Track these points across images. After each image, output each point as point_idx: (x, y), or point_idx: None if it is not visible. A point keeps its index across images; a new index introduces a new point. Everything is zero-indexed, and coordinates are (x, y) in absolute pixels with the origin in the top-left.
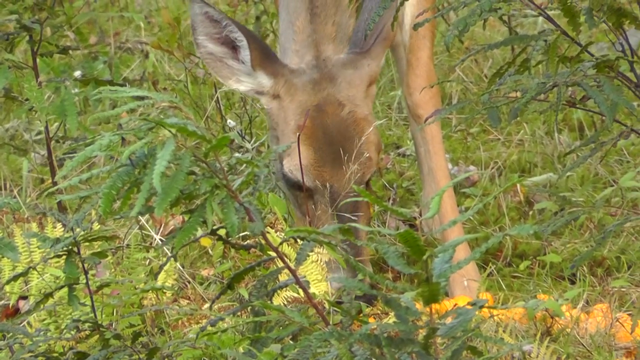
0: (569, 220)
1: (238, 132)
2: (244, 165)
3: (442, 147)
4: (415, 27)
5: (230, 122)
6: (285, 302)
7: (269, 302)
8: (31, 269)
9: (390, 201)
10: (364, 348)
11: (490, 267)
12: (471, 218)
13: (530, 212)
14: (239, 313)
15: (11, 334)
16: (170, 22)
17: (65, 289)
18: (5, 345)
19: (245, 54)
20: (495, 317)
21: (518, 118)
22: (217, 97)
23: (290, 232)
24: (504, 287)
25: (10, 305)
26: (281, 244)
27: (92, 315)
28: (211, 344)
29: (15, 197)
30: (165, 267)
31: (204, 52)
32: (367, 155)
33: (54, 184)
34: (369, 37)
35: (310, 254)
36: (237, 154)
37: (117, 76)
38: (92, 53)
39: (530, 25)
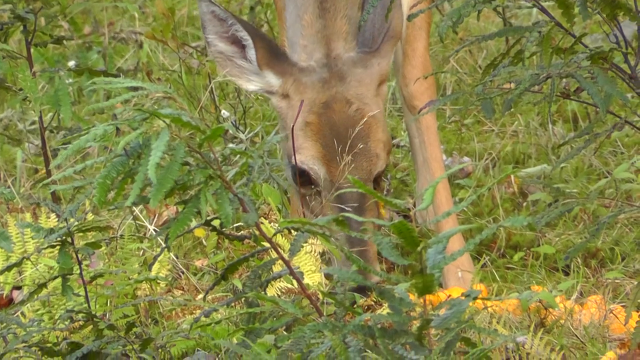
0: (563, 211)
1: (232, 123)
2: (238, 155)
3: (437, 138)
4: (410, 18)
5: (225, 113)
6: (279, 293)
7: (262, 293)
8: (25, 259)
9: (385, 192)
10: (357, 339)
11: (484, 258)
12: (465, 209)
13: (524, 204)
14: (232, 304)
15: (5, 324)
16: (165, 12)
17: (59, 280)
18: None
19: (251, 53)
20: (489, 309)
21: (512, 109)
22: (211, 88)
23: (284, 223)
24: (497, 278)
25: (4, 296)
26: (275, 234)
27: (86, 305)
28: (205, 335)
29: (9, 187)
30: (159, 258)
31: (214, 50)
32: (375, 152)
33: (48, 174)
34: (377, 36)
35: (304, 245)
36: (231, 145)
37: (111, 66)
38: (86, 43)
39: (524, 17)
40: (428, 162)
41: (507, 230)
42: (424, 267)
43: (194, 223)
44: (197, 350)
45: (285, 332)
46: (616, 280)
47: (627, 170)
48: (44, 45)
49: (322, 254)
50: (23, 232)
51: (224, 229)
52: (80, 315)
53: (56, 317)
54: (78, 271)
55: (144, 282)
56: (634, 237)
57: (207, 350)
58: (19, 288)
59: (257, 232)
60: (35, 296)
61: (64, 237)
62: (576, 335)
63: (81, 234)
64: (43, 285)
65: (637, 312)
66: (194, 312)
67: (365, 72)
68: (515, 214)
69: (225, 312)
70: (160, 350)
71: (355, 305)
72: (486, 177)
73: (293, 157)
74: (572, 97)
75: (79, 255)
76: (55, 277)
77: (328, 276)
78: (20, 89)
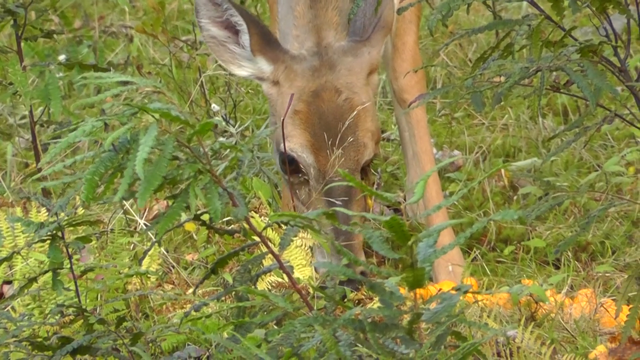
0: (553, 205)
1: (222, 117)
2: (228, 149)
3: (428, 131)
4: (400, 11)
5: (215, 107)
6: (270, 287)
7: (253, 287)
8: (15, 254)
9: (375, 186)
10: (348, 333)
11: (475, 252)
12: (456, 203)
13: (515, 197)
14: (223, 298)
15: None
16: (155, 6)
17: (50, 274)
18: None
19: (245, 38)
20: (480, 302)
21: (502, 103)
22: (202, 81)
23: (274, 217)
24: (488, 272)
25: None
26: (265, 228)
27: (76, 300)
28: (195, 329)
29: None
30: (150, 252)
31: (207, 35)
32: (362, 141)
33: (39, 169)
34: (367, 25)
35: (295, 238)
36: (221, 139)
37: (102, 60)
38: (77, 37)
39: (514, 10)
40: (418, 155)
41: (498, 223)
42: (415, 260)
43: (183, 217)
44: (188, 344)
45: (275, 327)
46: (606, 274)
47: (617, 164)
48: (35, 39)
49: (312, 248)
50: (13, 226)
51: (213, 223)
52: (70, 310)
53: (46, 312)
54: (68, 265)
55: (135, 276)
56: (624, 231)
57: (198, 345)
58: (9, 282)
59: (247, 226)
60: (26, 290)
61: (54, 232)
62: (567, 329)
63: (71, 228)
64: (33, 280)
65: (628, 305)
66: (184, 306)
67: (355, 61)
68: (506, 208)
69: (215, 306)
70: (150, 344)
71: (345, 300)
72: (476, 171)
73: (282, 145)
74: (562, 91)
75: (70, 250)
76: (46, 272)
77: (318, 269)
78: (11, 83)
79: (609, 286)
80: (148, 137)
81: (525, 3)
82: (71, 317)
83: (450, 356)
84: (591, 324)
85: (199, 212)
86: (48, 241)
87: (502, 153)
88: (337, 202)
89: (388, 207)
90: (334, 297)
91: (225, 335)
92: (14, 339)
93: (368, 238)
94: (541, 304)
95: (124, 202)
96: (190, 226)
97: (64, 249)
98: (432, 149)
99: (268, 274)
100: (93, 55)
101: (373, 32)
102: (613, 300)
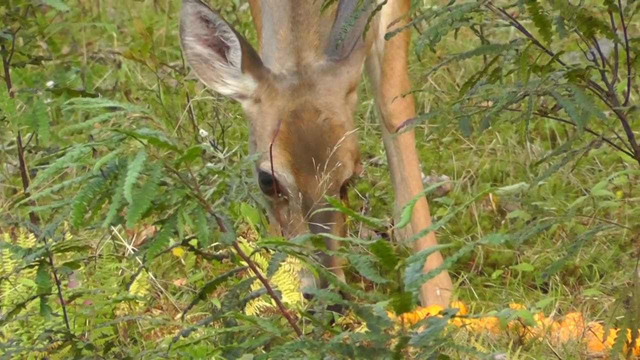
0: (541, 229)
1: (210, 142)
2: (216, 175)
3: (416, 156)
4: (387, 36)
5: (203, 132)
6: (258, 312)
7: (241, 312)
8: (3, 279)
9: (363, 210)
10: (336, 357)
11: (463, 276)
12: (443, 227)
13: (503, 221)
14: (211, 323)
15: None
16: (143, 32)
17: (38, 299)
18: None
19: (236, 55)
20: (468, 326)
21: (490, 127)
22: (190, 107)
23: (262, 242)
24: (476, 296)
25: None
26: (253, 253)
27: (65, 325)
28: (184, 354)
29: None
30: (138, 277)
31: (190, 53)
32: (340, 163)
33: (27, 194)
34: (346, 44)
35: (282, 263)
36: (209, 164)
37: (90, 86)
38: (65, 63)
39: (502, 35)
40: (406, 180)
41: (485, 248)
42: (402, 285)
43: (172, 242)
44: None
45: (263, 351)
46: (594, 298)
47: (605, 188)
48: (22, 65)
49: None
50: (1, 252)
51: (201, 249)
52: (59, 335)
53: (35, 337)
54: (57, 291)
55: (123, 301)
56: (611, 255)
57: None
58: None
59: (235, 251)
60: (14, 316)
61: (42, 257)
62: (554, 353)
63: (60, 253)
64: (21, 305)
65: (615, 329)
66: (172, 331)
67: (334, 80)
68: (494, 232)
69: (203, 331)
70: None
71: (333, 324)
72: (464, 195)
73: (262, 164)
74: (549, 115)
75: (58, 275)
76: (34, 297)
77: (307, 295)
78: None
79: (596, 310)
80: (136, 163)
81: (513, 28)
82: (59, 343)
83: None
84: (579, 347)
85: (187, 237)
86: (36, 267)
87: (490, 177)
88: (317, 224)
89: (376, 232)
90: (321, 321)
91: None
92: None
93: (355, 263)
94: (529, 327)
95: (112, 227)
96: (178, 251)
97: (52, 275)
98: (420, 173)
99: (256, 298)
100: (81, 81)
101: (352, 51)
102: (601, 324)
